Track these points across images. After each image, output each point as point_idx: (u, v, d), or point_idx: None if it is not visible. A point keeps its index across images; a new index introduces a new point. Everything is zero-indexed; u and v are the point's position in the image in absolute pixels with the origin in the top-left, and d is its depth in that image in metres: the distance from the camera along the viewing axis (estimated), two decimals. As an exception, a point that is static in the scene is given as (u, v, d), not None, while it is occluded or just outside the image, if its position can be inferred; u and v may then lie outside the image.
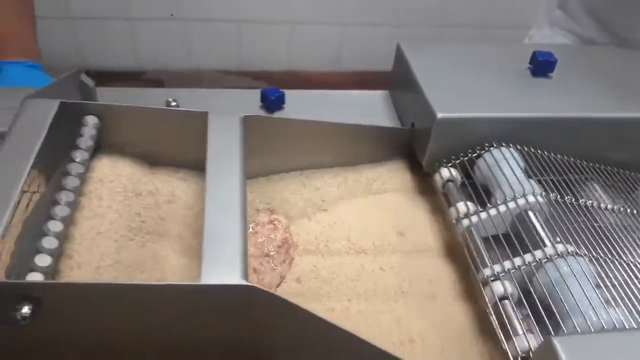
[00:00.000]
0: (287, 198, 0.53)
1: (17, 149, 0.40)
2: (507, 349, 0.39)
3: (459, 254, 0.50)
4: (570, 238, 0.45)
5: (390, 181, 0.57)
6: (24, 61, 0.81)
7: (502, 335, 0.40)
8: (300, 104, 0.62)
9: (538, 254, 0.43)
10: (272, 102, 0.60)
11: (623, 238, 0.47)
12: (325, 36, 1.72)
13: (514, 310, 0.41)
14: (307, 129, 0.52)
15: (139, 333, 0.37)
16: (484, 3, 1.70)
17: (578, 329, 0.38)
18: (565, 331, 0.39)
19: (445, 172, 0.52)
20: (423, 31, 1.73)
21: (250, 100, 0.62)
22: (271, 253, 0.46)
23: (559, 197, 0.49)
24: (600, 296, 0.40)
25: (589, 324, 0.38)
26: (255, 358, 0.39)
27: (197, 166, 0.51)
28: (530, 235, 0.45)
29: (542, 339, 0.39)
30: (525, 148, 0.52)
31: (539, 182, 0.50)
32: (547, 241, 0.44)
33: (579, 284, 0.41)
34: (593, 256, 0.44)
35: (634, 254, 0.46)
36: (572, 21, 0.83)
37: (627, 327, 0.39)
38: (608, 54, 0.65)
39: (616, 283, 0.42)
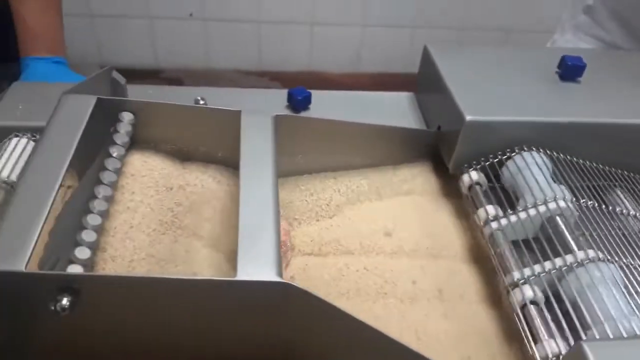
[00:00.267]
0: (304, 198, 0.53)
1: (56, 144, 0.41)
2: (536, 354, 0.39)
3: (484, 257, 0.50)
4: (600, 244, 0.45)
5: (415, 183, 0.57)
6: (50, 57, 0.83)
7: (529, 340, 0.40)
8: (326, 105, 0.62)
9: (568, 258, 0.43)
10: (299, 102, 0.60)
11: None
12: (345, 37, 1.72)
13: (541, 315, 0.41)
14: (336, 129, 0.52)
15: (171, 327, 0.38)
16: (506, 7, 1.70)
17: (608, 335, 0.38)
18: (595, 337, 0.39)
19: (471, 175, 0.52)
20: (444, 33, 1.73)
21: (276, 100, 0.62)
22: None
23: (587, 202, 0.49)
24: (631, 302, 0.40)
25: (619, 330, 0.38)
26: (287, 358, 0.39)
27: (227, 163, 0.51)
28: (560, 240, 0.45)
29: (570, 344, 0.39)
30: (553, 153, 0.52)
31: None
32: (576, 246, 0.44)
33: (610, 289, 0.40)
34: (623, 263, 0.44)
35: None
36: (597, 26, 0.83)
37: (657, 334, 0.38)
38: (636, 59, 0.65)
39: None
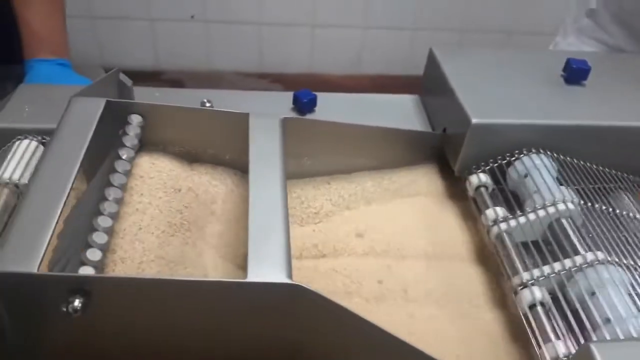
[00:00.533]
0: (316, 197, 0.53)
1: (66, 147, 0.41)
2: (544, 355, 0.40)
3: (489, 259, 0.50)
4: (604, 246, 0.45)
5: (420, 185, 0.58)
6: (54, 59, 0.83)
7: (536, 341, 0.41)
8: (331, 107, 0.62)
9: (575, 260, 0.43)
10: (305, 104, 0.61)
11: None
12: (346, 39, 1.72)
13: (547, 316, 0.41)
14: (343, 132, 0.53)
15: (181, 328, 0.38)
16: (507, 9, 1.70)
17: (616, 336, 0.39)
18: (602, 338, 0.39)
19: (477, 178, 0.53)
20: (445, 36, 1.73)
21: (281, 103, 0.62)
22: None
23: (593, 205, 0.49)
24: (638, 304, 0.40)
25: (626, 331, 0.39)
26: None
27: (234, 165, 0.52)
28: (565, 242, 0.45)
29: (576, 346, 0.39)
30: (560, 156, 0.53)
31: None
32: (582, 249, 0.45)
33: (617, 291, 0.41)
34: (630, 265, 0.44)
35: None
36: (600, 29, 0.83)
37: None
38: (640, 63, 0.66)
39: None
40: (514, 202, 0.50)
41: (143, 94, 0.58)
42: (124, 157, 0.44)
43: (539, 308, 0.42)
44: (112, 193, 0.41)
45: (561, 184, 0.50)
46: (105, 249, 0.38)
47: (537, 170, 0.50)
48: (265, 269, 0.36)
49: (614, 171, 0.54)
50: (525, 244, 0.47)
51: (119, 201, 0.42)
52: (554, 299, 0.43)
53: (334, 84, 1.72)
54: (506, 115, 0.52)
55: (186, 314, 0.37)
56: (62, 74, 0.82)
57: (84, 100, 0.45)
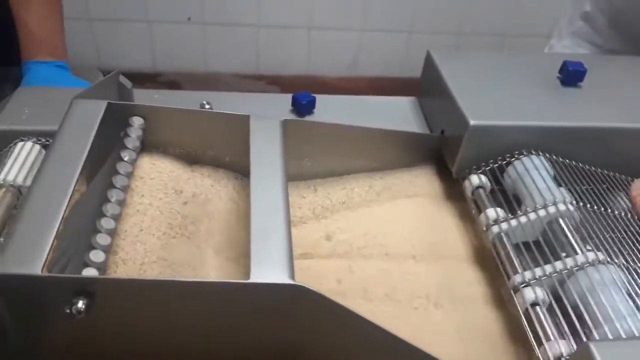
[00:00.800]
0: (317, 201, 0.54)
1: (68, 149, 0.41)
2: (540, 355, 0.40)
3: (487, 260, 0.51)
4: (600, 246, 0.46)
5: (418, 186, 0.58)
6: (52, 61, 0.83)
7: (534, 341, 0.41)
8: (329, 109, 0.62)
9: (571, 261, 0.44)
10: (304, 106, 0.61)
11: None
12: (343, 41, 1.73)
13: (545, 316, 0.42)
14: (342, 133, 0.53)
15: (183, 329, 0.38)
16: (502, 12, 1.72)
17: (610, 336, 0.39)
18: (598, 338, 0.39)
19: (475, 179, 0.53)
20: (441, 38, 1.75)
21: (279, 104, 0.62)
22: None
23: (589, 205, 0.49)
24: (633, 304, 0.41)
25: (622, 331, 0.39)
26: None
27: (235, 167, 0.52)
28: (562, 243, 0.46)
29: (574, 345, 0.39)
30: (555, 157, 0.53)
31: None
32: (578, 249, 0.45)
33: (613, 291, 0.41)
34: (624, 265, 0.44)
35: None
36: (595, 33, 0.84)
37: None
38: (636, 64, 0.66)
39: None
40: (514, 203, 0.51)
41: (142, 96, 0.58)
42: (125, 158, 0.44)
43: (538, 307, 0.42)
44: (114, 194, 0.41)
45: (559, 185, 0.50)
46: (107, 250, 0.38)
47: (536, 171, 0.51)
48: (268, 270, 0.36)
49: (610, 172, 0.55)
50: (523, 244, 0.48)
51: (122, 203, 0.42)
52: (553, 298, 0.43)
53: (331, 86, 1.73)
54: (503, 117, 0.53)
55: (188, 315, 0.37)
56: (60, 75, 0.82)
57: (86, 103, 0.45)
